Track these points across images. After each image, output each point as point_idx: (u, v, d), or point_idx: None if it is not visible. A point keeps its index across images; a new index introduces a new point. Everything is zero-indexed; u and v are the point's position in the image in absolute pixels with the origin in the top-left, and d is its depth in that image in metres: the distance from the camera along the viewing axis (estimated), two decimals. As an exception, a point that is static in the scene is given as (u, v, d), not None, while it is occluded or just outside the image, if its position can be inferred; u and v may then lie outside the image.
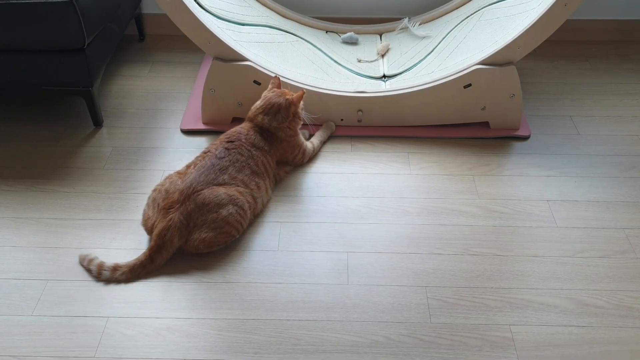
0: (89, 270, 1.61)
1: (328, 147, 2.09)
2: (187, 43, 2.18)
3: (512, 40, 1.96)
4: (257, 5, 2.43)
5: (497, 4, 2.24)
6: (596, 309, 1.55)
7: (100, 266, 1.59)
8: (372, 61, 2.33)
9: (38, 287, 1.58)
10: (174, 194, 1.65)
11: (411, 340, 1.46)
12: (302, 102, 1.92)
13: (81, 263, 1.63)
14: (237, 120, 2.10)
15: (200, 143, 2.10)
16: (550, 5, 1.88)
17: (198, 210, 1.63)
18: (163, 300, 1.55)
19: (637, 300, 1.57)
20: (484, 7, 2.28)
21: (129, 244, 1.71)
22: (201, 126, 2.16)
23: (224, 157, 1.75)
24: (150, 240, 1.66)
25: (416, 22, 2.46)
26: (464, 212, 1.83)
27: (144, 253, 1.61)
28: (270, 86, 1.94)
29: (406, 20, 2.48)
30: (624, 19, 2.67)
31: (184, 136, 2.14)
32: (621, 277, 1.63)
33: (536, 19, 1.91)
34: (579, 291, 1.59)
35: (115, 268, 1.59)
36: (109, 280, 1.59)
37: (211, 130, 2.14)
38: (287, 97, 1.87)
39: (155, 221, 1.64)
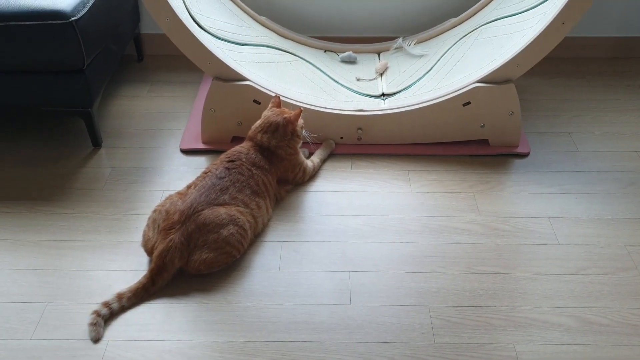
0: (103, 317, 1.52)
1: (328, 166, 2.09)
2: (185, 63, 2.18)
3: (510, 58, 1.97)
4: (256, 25, 2.44)
5: (495, 22, 2.25)
6: (600, 327, 1.54)
7: (106, 304, 1.53)
8: (370, 80, 2.34)
9: (37, 311, 1.56)
10: (174, 215, 1.64)
11: (415, 361, 1.45)
12: (301, 121, 1.92)
13: (97, 327, 1.50)
14: (236, 140, 2.10)
15: (200, 163, 2.09)
16: (548, 24, 1.89)
17: (199, 230, 1.62)
18: (164, 322, 1.53)
19: (642, 318, 1.56)
20: (482, 25, 2.29)
21: (129, 265, 1.69)
22: (201, 146, 2.16)
23: (224, 177, 1.74)
24: (150, 261, 1.64)
25: (412, 41, 2.47)
26: (466, 230, 1.82)
27: (145, 275, 1.60)
28: (270, 105, 1.94)
29: (400, 40, 2.49)
30: (622, 36, 2.69)
31: (183, 156, 2.14)
32: (624, 295, 1.62)
33: (534, 36, 1.92)
34: (583, 309, 1.58)
35: (120, 296, 1.56)
36: (120, 311, 1.55)
37: (211, 149, 2.13)
38: (285, 115, 1.87)
39: (155, 242, 1.63)
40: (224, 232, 1.63)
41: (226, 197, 1.71)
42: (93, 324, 1.49)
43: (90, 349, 1.46)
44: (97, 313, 1.51)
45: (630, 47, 2.71)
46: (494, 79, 2.02)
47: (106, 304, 1.53)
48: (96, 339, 1.48)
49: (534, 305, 1.59)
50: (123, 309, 1.55)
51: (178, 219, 1.63)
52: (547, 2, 2.03)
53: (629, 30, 2.68)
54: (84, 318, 1.53)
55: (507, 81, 2.02)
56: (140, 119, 2.33)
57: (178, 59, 2.43)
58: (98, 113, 2.27)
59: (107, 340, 1.48)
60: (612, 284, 1.65)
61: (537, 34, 1.92)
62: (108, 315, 1.53)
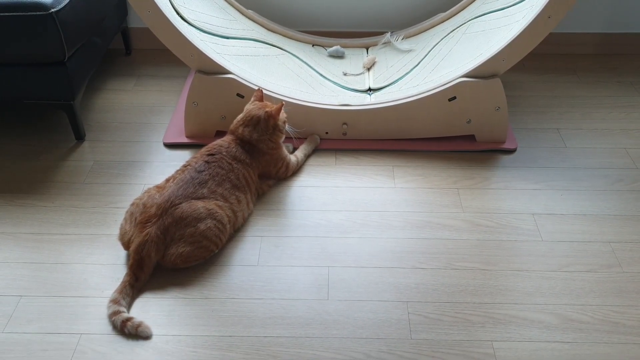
0: (127, 318, 1.49)
1: (312, 161, 2.07)
2: (173, 57, 2.14)
3: (496, 52, 1.95)
4: (243, 18, 2.42)
5: (483, 16, 2.23)
6: (581, 324, 1.51)
7: (114, 314, 1.49)
8: (358, 74, 2.32)
9: (11, 304, 1.54)
10: (151, 208, 1.62)
11: (391, 357, 1.43)
12: (284, 115, 1.90)
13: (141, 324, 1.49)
14: (220, 134, 2.08)
15: (183, 157, 2.07)
16: (533, 18, 1.87)
17: (175, 224, 1.60)
18: (138, 316, 1.50)
19: (623, 316, 1.53)
20: (470, 19, 2.27)
21: (107, 259, 1.68)
22: (184, 140, 2.14)
23: (203, 171, 1.72)
24: (127, 255, 1.62)
25: (399, 36, 2.45)
26: (448, 226, 1.80)
27: (127, 273, 1.58)
28: (252, 99, 1.92)
29: (388, 34, 2.47)
30: (613, 32, 2.66)
31: (167, 150, 2.12)
32: (607, 292, 1.60)
33: (520, 31, 1.90)
34: (564, 306, 1.56)
35: (115, 301, 1.51)
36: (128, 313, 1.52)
37: (194, 143, 2.11)
38: (267, 109, 1.85)
39: (131, 236, 1.61)
40: (202, 226, 1.61)
41: (205, 190, 1.69)
42: (138, 325, 1.47)
43: (63, 343, 1.45)
44: (129, 319, 1.47)
45: (622, 43, 2.68)
46: (479, 74, 2.00)
47: (117, 312, 1.49)
48: (147, 335, 1.47)
49: (514, 302, 1.57)
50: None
51: (155, 212, 1.61)
52: (533, -4, 2.01)
53: (619, 27, 2.65)
54: (58, 311, 1.51)
55: (493, 76, 2.00)
56: (125, 113, 2.32)
57: (166, 53, 2.38)
58: (82, 106, 2.26)
59: (79, 334, 1.47)
60: (594, 281, 1.63)
61: (523, 29, 1.89)
62: (128, 311, 1.51)
